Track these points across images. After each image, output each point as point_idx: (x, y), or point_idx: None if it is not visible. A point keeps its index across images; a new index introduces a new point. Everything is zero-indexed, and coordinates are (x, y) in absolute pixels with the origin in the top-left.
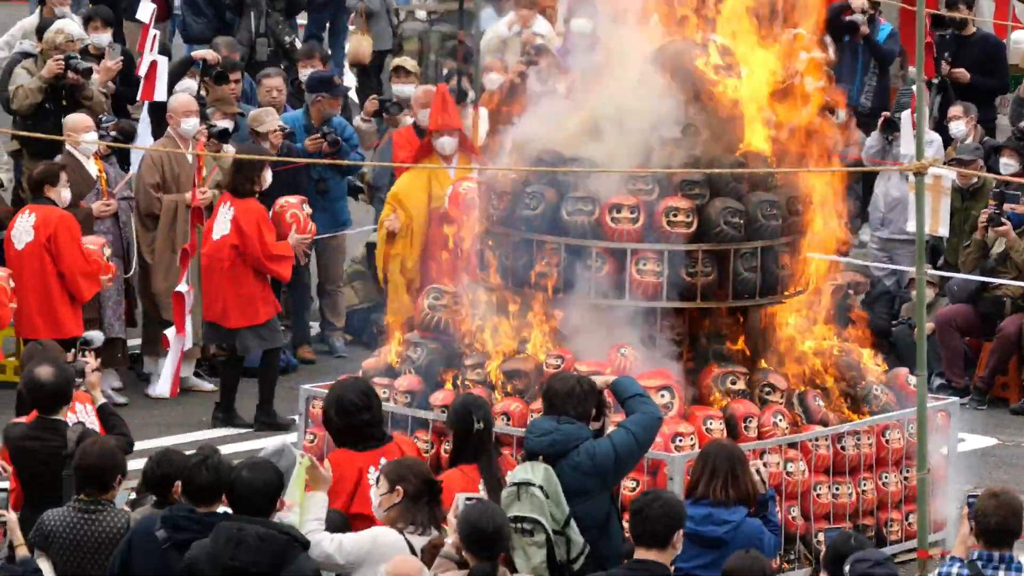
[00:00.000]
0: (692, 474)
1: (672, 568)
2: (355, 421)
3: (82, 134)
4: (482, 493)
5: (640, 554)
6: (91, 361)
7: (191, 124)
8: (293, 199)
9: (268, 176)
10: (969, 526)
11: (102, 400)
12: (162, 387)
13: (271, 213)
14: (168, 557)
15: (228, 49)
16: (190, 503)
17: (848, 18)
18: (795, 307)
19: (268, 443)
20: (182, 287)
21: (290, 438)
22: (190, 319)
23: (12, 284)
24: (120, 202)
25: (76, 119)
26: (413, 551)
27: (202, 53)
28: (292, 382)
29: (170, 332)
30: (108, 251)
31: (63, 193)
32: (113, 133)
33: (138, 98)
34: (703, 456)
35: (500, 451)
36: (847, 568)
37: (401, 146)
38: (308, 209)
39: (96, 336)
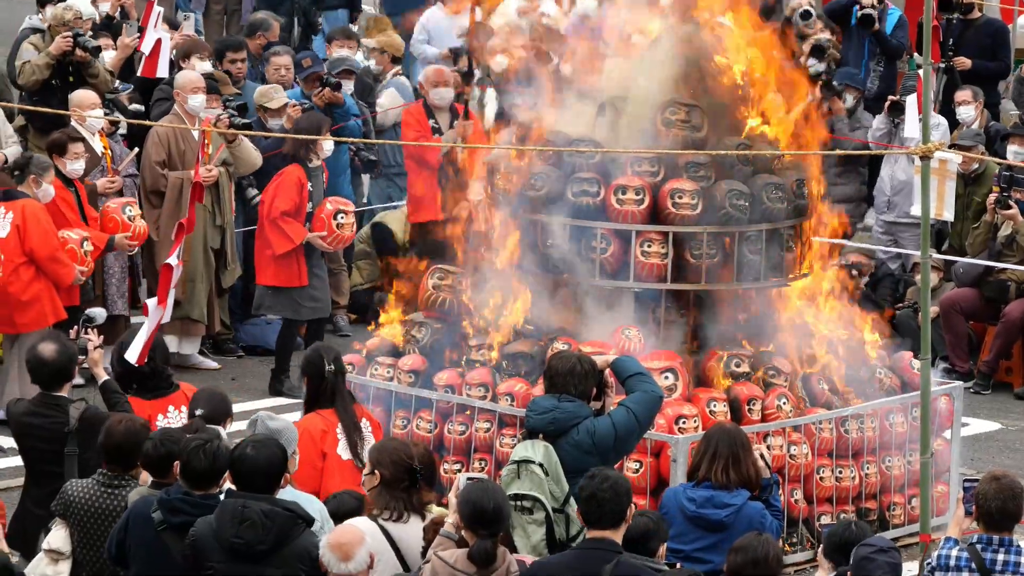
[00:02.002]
0: (695, 457)
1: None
2: (135, 370)
3: (88, 111)
4: (340, 435)
5: (593, 534)
6: (93, 338)
7: (198, 101)
8: (343, 202)
9: (325, 147)
10: (965, 509)
11: (104, 377)
12: (131, 353)
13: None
14: (164, 539)
15: (276, 21)
16: (187, 486)
17: (861, 12)
18: (800, 289)
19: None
20: (172, 260)
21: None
22: (174, 293)
23: (89, 247)
24: (125, 179)
25: (82, 95)
26: (389, 537)
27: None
28: (296, 361)
29: (151, 301)
30: (132, 211)
31: (69, 165)
32: (133, 105)
33: (139, 73)
34: (706, 439)
35: (355, 398)
36: (852, 554)
37: (410, 124)
38: (344, 219)
39: (99, 313)
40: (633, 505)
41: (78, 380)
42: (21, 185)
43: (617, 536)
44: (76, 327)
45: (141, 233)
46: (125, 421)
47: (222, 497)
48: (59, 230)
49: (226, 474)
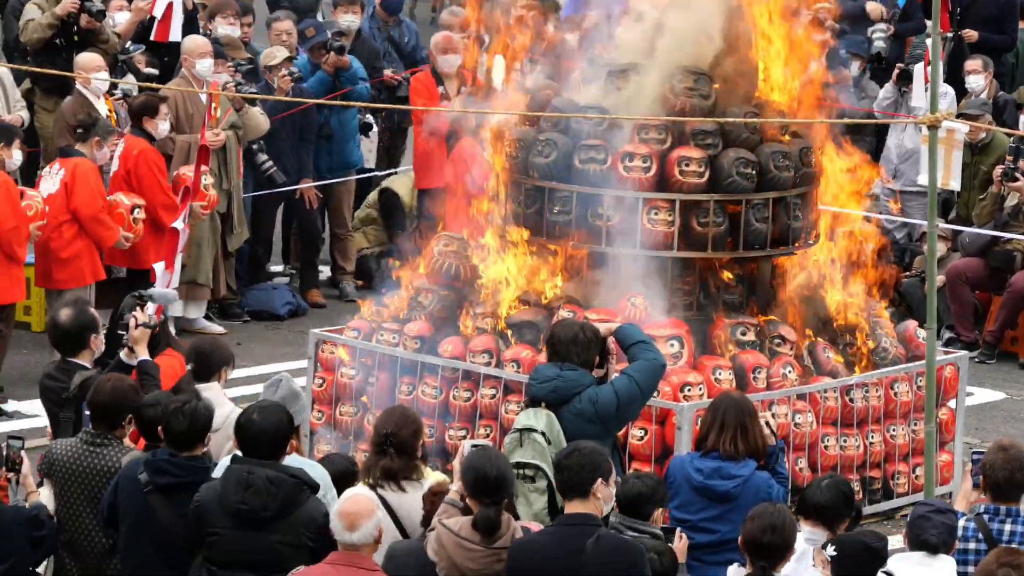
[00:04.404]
0: (701, 426)
1: (666, 520)
2: None
3: (93, 73)
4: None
5: (570, 508)
6: (139, 315)
7: (206, 65)
8: None
9: None
10: (972, 481)
11: (142, 356)
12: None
13: None
14: (150, 500)
15: None
16: (171, 448)
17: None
18: (806, 258)
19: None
20: (178, 224)
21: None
22: (180, 258)
23: (139, 215)
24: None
25: (87, 58)
26: (387, 506)
27: None
28: (302, 326)
29: (158, 267)
30: (207, 180)
31: (160, 126)
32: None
33: (152, 38)
34: (713, 408)
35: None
36: (910, 512)
37: (419, 91)
38: None
39: (159, 294)
40: (631, 470)
41: None
42: (83, 144)
43: (590, 509)
44: (130, 297)
45: (213, 201)
46: (113, 380)
47: (207, 460)
48: (159, 192)
49: (208, 436)
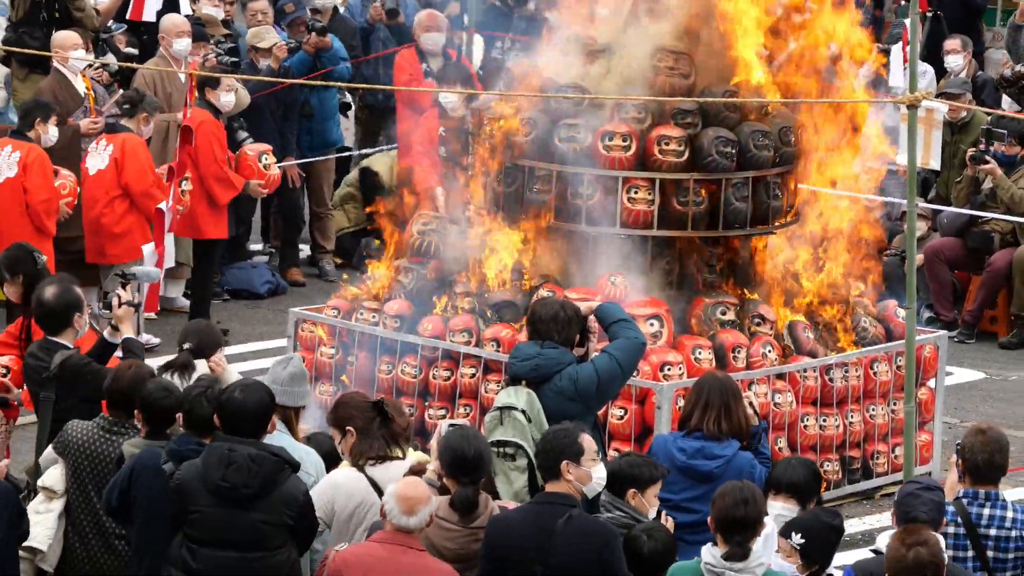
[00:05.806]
0: (685, 406)
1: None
2: None
3: (69, 51)
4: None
5: (548, 487)
6: (123, 294)
7: (183, 44)
8: None
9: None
10: (957, 475)
11: (127, 335)
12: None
13: None
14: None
15: None
16: (193, 435)
17: None
18: (786, 237)
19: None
20: (163, 205)
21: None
22: (171, 237)
23: (186, 186)
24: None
25: (64, 36)
26: (374, 485)
27: None
28: (282, 305)
29: (147, 248)
30: (268, 159)
31: (223, 97)
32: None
33: (127, 16)
34: (697, 388)
35: None
36: (897, 491)
37: (403, 68)
38: None
39: (143, 272)
40: (611, 449)
41: None
42: (130, 120)
43: (564, 489)
44: (113, 274)
45: (274, 181)
46: (133, 367)
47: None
48: (213, 163)
49: None
